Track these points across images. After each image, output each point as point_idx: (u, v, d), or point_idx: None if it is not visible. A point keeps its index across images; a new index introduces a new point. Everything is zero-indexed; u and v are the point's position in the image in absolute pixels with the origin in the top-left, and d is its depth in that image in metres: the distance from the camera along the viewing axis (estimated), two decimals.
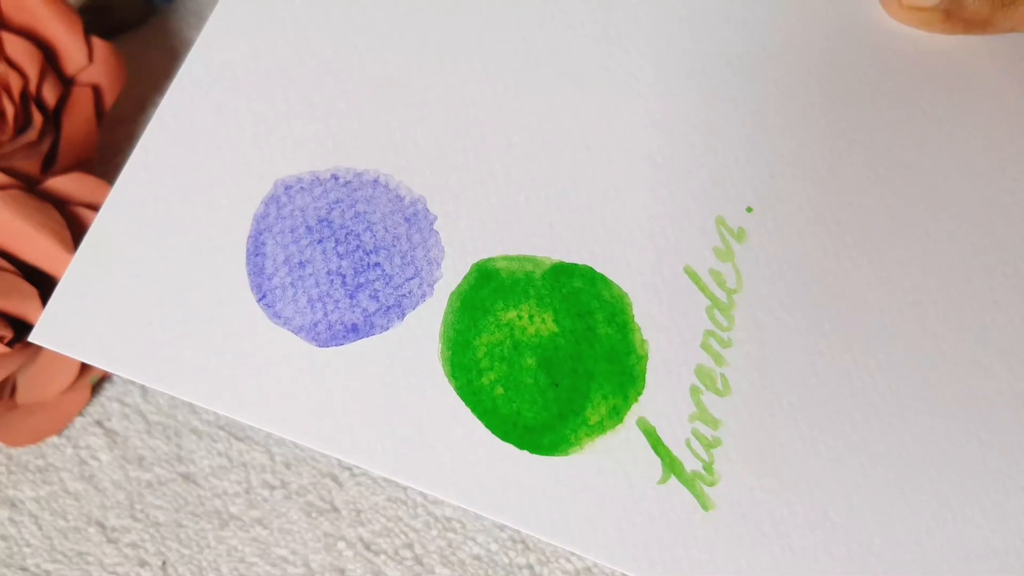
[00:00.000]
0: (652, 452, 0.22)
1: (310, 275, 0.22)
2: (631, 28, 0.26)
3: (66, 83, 0.40)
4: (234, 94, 0.24)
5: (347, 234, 0.22)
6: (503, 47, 0.24)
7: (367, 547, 0.30)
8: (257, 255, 0.22)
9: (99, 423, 0.35)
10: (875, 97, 0.27)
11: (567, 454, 0.22)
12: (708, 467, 0.22)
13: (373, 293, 0.22)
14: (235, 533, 0.31)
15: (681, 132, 0.25)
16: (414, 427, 0.22)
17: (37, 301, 0.33)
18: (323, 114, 0.23)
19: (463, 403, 0.22)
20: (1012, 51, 0.28)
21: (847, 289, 0.24)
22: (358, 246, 0.22)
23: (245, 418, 0.22)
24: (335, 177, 0.22)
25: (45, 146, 0.39)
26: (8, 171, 0.35)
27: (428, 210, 0.22)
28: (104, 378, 0.36)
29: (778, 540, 0.22)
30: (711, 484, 0.22)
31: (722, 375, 0.23)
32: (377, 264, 0.22)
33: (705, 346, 0.23)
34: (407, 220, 0.22)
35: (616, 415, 0.22)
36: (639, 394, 0.23)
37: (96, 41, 0.40)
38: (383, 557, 0.30)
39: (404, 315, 0.22)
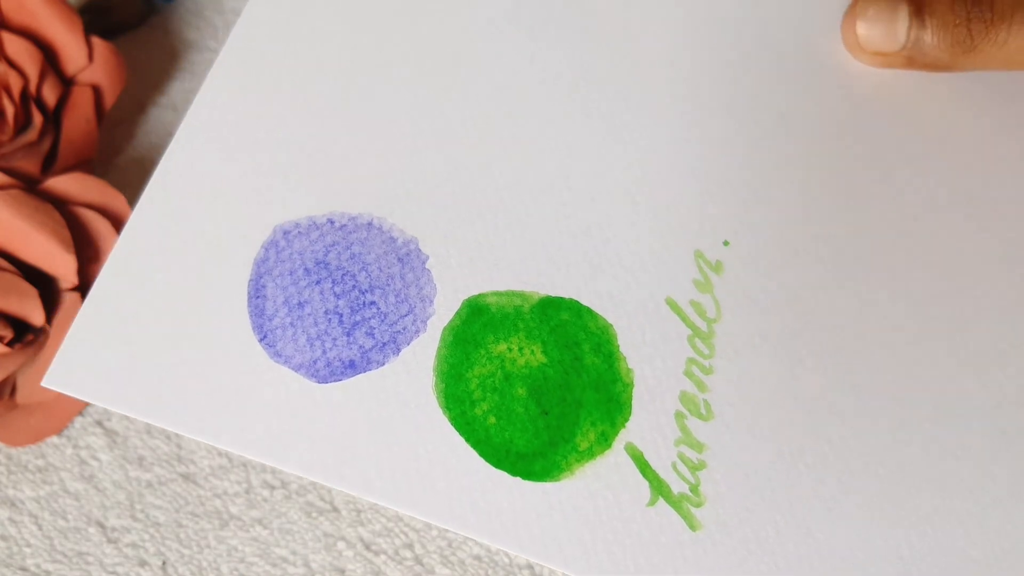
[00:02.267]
0: (640, 476, 0.23)
1: (309, 315, 0.22)
2: (608, 76, 0.26)
3: (66, 83, 0.39)
4: (235, 145, 0.24)
5: (343, 275, 0.23)
6: (487, 97, 0.25)
7: (367, 547, 0.28)
8: (258, 297, 0.22)
9: (99, 423, 0.33)
10: (843, 134, 0.27)
11: (558, 480, 0.22)
12: (695, 489, 0.23)
13: (369, 330, 0.22)
14: (235, 533, 0.30)
15: (659, 171, 0.26)
16: (411, 457, 0.22)
17: (37, 301, 0.31)
18: (320, 162, 0.24)
19: (457, 433, 0.22)
20: (975, 87, 0.28)
21: (822, 315, 0.25)
22: (354, 286, 0.23)
23: (250, 454, 0.22)
24: (331, 221, 0.23)
25: (45, 146, 0.38)
26: (8, 171, 0.33)
27: (420, 250, 0.23)
28: None
29: (764, 558, 0.22)
30: (698, 505, 0.22)
31: (705, 401, 0.24)
32: (372, 303, 0.23)
33: (688, 373, 0.24)
34: (400, 260, 0.23)
35: (604, 441, 0.23)
36: (626, 420, 0.23)
37: (96, 41, 0.38)
38: (383, 557, 0.28)
39: (399, 350, 0.23)
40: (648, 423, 0.23)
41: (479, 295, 0.23)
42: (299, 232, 0.23)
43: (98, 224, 0.33)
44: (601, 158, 0.25)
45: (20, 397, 0.33)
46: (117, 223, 0.34)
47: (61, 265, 0.32)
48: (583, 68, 0.26)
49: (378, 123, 0.24)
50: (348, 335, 0.22)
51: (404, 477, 0.22)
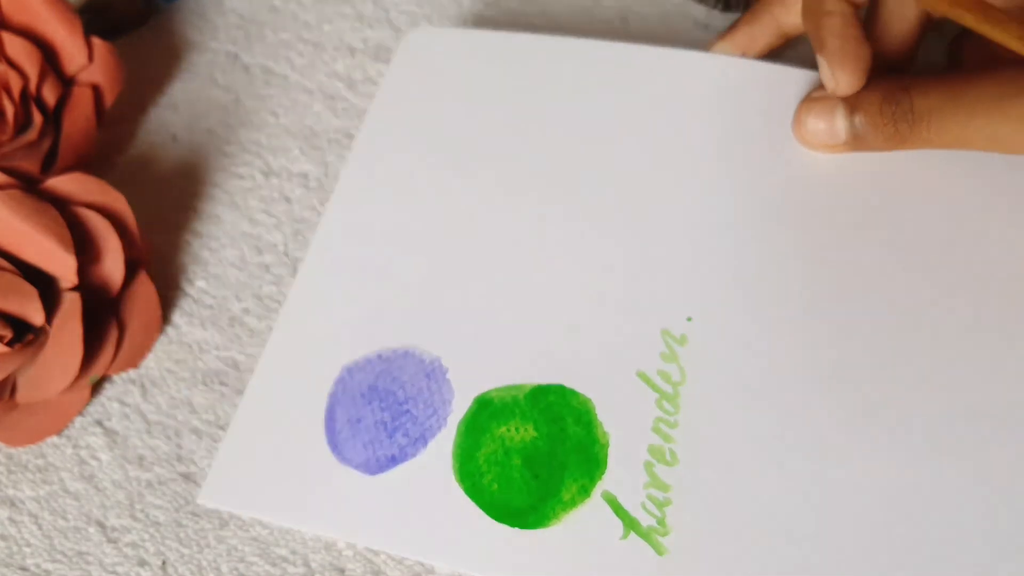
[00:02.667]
0: (615, 516, 0.26)
1: (363, 427, 0.29)
2: (580, 191, 0.32)
3: (66, 83, 0.36)
4: (320, 306, 0.32)
5: (387, 394, 0.30)
6: (488, 247, 0.31)
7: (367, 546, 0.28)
8: (331, 421, 0.30)
9: (99, 423, 0.32)
10: (801, 210, 0.30)
11: (547, 527, 0.27)
12: (661, 522, 0.26)
13: (405, 432, 0.29)
14: (235, 533, 0.29)
15: (628, 265, 0.30)
16: (437, 522, 0.27)
17: (37, 301, 0.30)
18: (370, 312, 0.31)
19: (470, 499, 0.27)
20: (929, 157, 0.30)
21: (773, 370, 0.28)
22: (394, 401, 0.30)
23: (330, 535, 0.28)
24: (379, 355, 0.30)
25: (45, 146, 0.35)
26: (8, 171, 0.31)
27: (443, 365, 0.30)
28: (104, 378, 0.32)
29: (720, 572, 0.25)
30: (664, 535, 0.26)
31: (671, 450, 0.27)
32: (407, 411, 0.29)
33: (655, 429, 0.27)
34: (427, 376, 0.30)
35: (584, 492, 0.27)
36: (602, 474, 0.27)
37: (96, 41, 0.35)
38: (383, 556, 0.28)
39: (427, 443, 0.29)
40: (621, 474, 0.27)
41: (485, 392, 0.29)
42: (358, 367, 0.30)
43: (98, 224, 0.32)
44: (578, 265, 0.30)
45: (20, 397, 0.32)
46: (117, 223, 0.33)
47: (61, 265, 0.31)
48: (561, 190, 0.32)
49: (408, 277, 0.32)
50: (390, 437, 0.29)
51: (434, 537, 0.27)
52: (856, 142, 0.29)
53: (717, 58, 0.33)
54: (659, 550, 0.26)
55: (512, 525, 0.27)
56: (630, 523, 0.26)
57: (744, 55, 0.33)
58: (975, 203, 0.29)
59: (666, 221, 0.31)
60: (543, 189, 0.32)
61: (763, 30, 0.33)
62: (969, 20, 0.25)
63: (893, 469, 0.26)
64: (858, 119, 0.29)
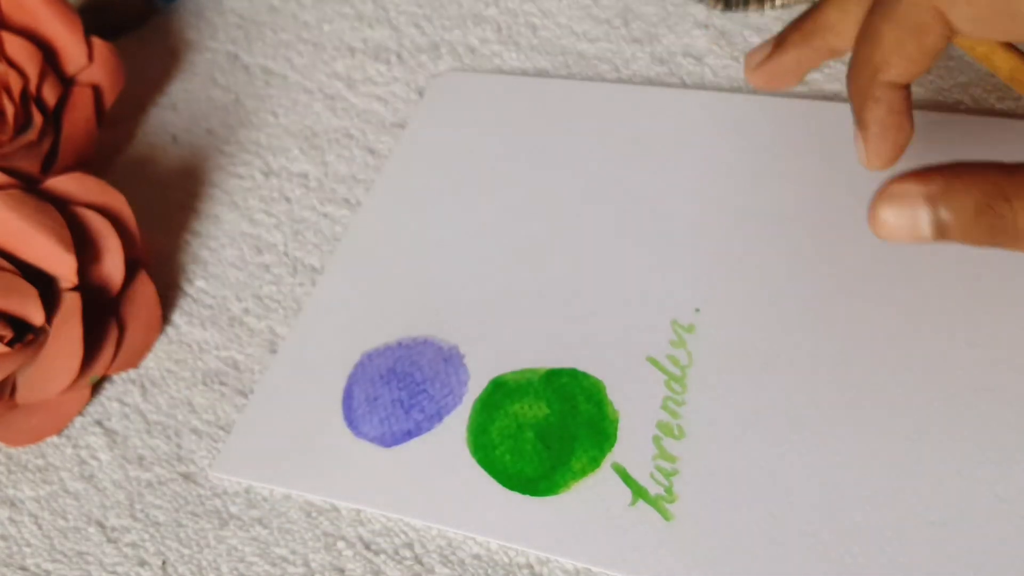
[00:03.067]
0: (623, 484, 0.27)
1: (380, 404, 0.30)
2: (595, 198, 0.33)
3: (66, 83, 0.36)
4: (342, 299, 0.34)
5: (405, 375, 0.31)
6: (509, 247, 0.33)
7: (367, 547, 0.28)
8: (348, 398, 0.31)
9: (99, 423, 0.32)
10: (800, 216, 0.31)
11: (558, 494, 0.27)
12: (668, 490, 0.27)
13: (421, 408, 0.30)
14: (235, 533, 0.29)
15: (639, 263, 0.31)
16: (450, 491, 0.28)
17: (37, 301, 0.30)
18: (390, 303, 0.33)
19: (483, 470, 0.28)
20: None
21: (775, 353, 0.29)
22: (412, 381, 0.31)
23: (346, 503, 0.29)
24: (399, 343, 0.32)
25: (45, 146, 0.35)
26: (8, 171, 0.31)
27: (460, 352, 0.31)
28: (104, 378, 0.32)
29: (724, 536, 0.26)
30: (671, 502, 0.27)
31: (678, 425, 0.28)
32: (424, 390, 0.30)
33: (664, 407, 0.28)
34: (445, 360, 0.31)
35: (595, 463, 0.28)
36: (612, 446, 0.28)
37: (96, 41, 0.35)
38: (383, 557, 0.28)
39: (442, 419, 0.30)
40: (631, 446, 0.28)
41: (501, 375, 0.30)
42: (377, 354, 0.32)
43: (98, 224, 0.31)
44: (593, 263, 0.32)
45: (20, 397, 0.32)
46: (117, 223, 0.33)
47: (61, 265, 0.30)
48: (577, 198, 0.34)
49: (429, 275, 0.33)
50: (407, 413, 0.30)
51: (447, 504, 0.28)
52: (942, 237, 0.25)
53: (720, 95, 0.35)
54: (666, 516, 0.27)
55: (523, 492, 0.28)
56: (639, 491, 0.27)
57: (786, 84, 0.31)
58: None
59: (676, 223, 0.32)
60: (560, 197, 0.34)
61: (813, 55, 0.30)
62: None
63: (891, 443, 0.26)
64: (944, 214, 0.24)
